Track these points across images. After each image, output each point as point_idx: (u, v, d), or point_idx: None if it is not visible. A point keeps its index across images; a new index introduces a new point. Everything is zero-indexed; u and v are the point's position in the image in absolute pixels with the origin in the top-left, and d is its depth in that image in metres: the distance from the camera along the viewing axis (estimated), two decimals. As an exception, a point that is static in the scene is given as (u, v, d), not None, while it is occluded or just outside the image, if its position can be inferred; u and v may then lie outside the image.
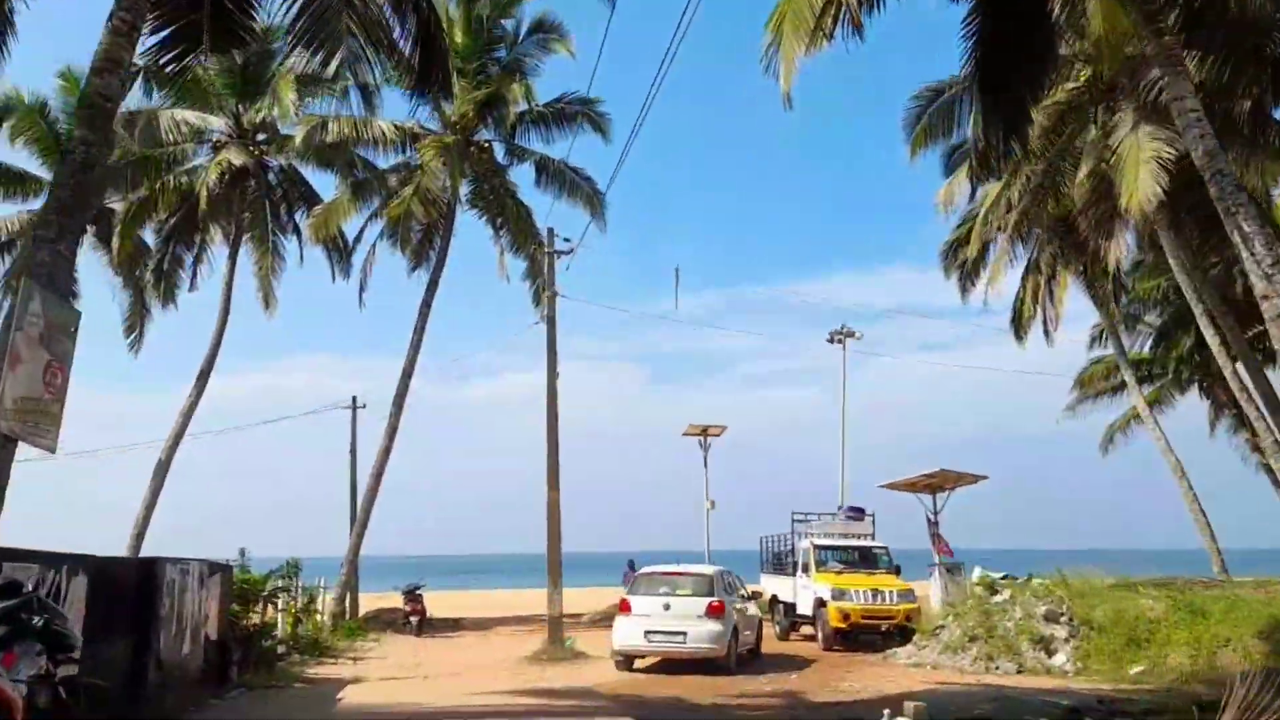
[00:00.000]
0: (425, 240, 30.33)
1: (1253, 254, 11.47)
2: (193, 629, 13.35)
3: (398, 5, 12.12)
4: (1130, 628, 16.78)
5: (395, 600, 28.91)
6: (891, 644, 20.23)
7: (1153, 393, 34.13)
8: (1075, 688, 14.76)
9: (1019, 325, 30.82)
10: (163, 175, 27.45)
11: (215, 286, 29.24)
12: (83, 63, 9.08)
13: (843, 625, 20.86)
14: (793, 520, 25.82)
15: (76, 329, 8.44)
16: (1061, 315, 30.12)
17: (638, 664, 17.82)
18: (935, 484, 26.82)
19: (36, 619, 6.88)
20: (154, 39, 11.11)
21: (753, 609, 20.34)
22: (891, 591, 21.39)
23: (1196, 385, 35.67)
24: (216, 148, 28.38)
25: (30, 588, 7.50)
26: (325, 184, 30.38)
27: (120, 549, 25.64)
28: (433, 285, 29.22)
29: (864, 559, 23.19)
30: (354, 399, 34.85)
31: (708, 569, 19.28)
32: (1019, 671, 16.65)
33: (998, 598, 19.18)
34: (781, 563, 26.17)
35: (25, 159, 27.82)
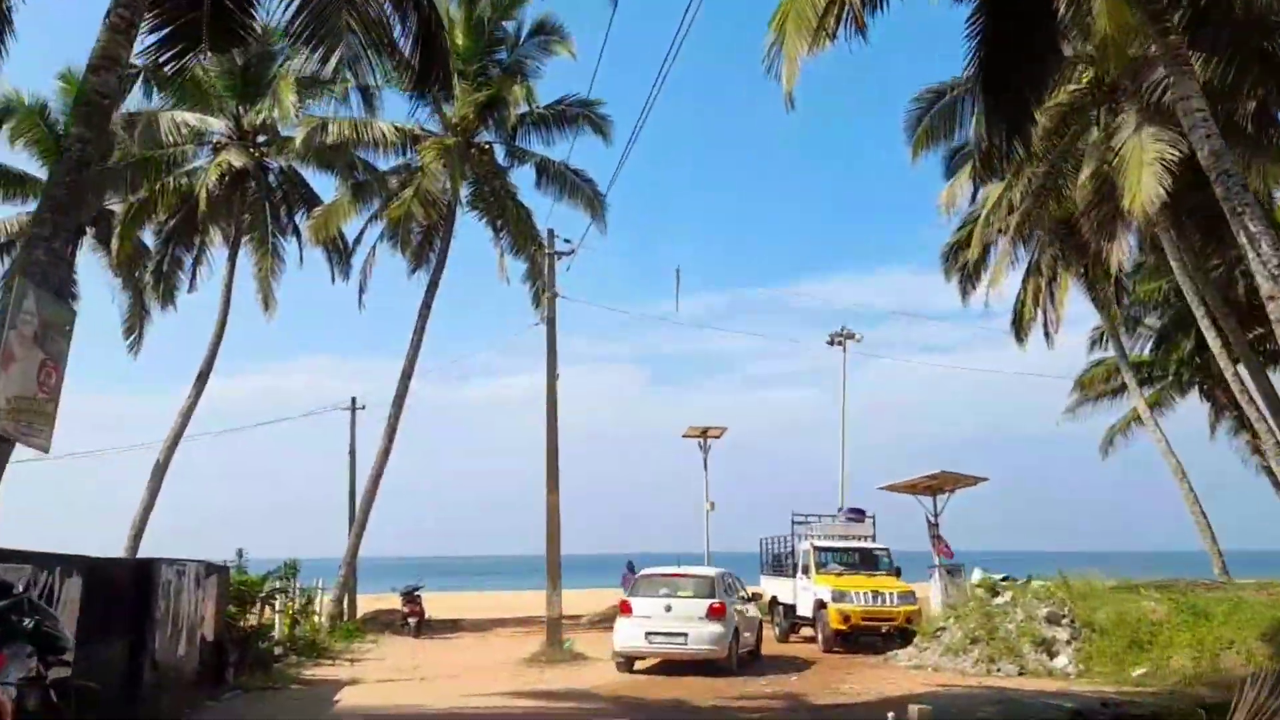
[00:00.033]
0: (425, 242, 30.27)
1: (1259, 254, 11.39)
2: (189, 630, 13.27)
3: (398, 3, 12.05)
4: (1132, 630, 16.68)
5: (394, 601, 28.81)
6: (892, 646, 20.13)
7: (1153, 395, 34.08)
8: (1078, 690, 14.70)
9: (1020, 327, 30.76)
10: (162, 177, 27.32)
11: (215, 288, 29.17)
12: (82, 63, 8.98)
13: (843, 627, 20.79)
14: (793, 522, 25.76)
15: (71, 328, 8.36)
16: (1062, 317, 30.07)
17: (638, 665, 17.77)
18: (936, 486, 26.72)
19: (27, 621, 6.79)
20: (153, 38, 11.04)
21: (753, 610, 20.29)
22: (892, 593, 21.31)
23: (1197, 388, 35.63)
24: (216, 149, 28.28)
25: (21, 589, 7.41)
26: (325, 186, 30.34)
27: (119, 550, 25.60)
28: (433, 287, 29.17)
29: (864, 561, 23.11)
30: (353, 400, 34.79)
31: (709, 570, 19.33)
32: (1021, 674, 16.56)
33: (999, 600, 19.08)
34: (781, 564, 26.08)
35: (25, 161, 27.76)
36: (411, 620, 26.84)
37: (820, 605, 21.43)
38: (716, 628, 17.00)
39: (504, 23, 29.09)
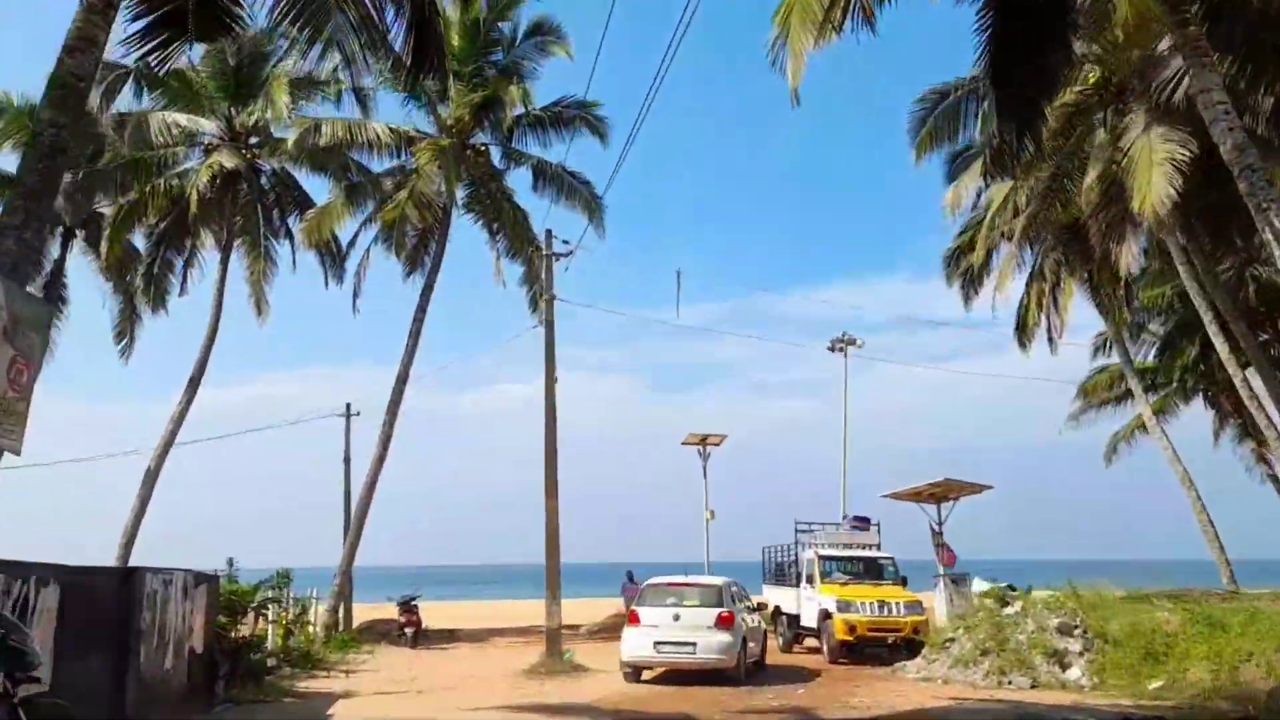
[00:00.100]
0: (420, 245, 29.81)
1: (1286, 250, 11.01)
2: (176, 642, 12.79)
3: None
4: (1147, 641, 16.21)
5: (390, 611, 28.33)
6: (899, 657, 19.71)
7: (1157, 402, 33.76)
8: (1094, 703, 14.25)
9: (1023, 333, 30.40)
10: (153, 178, 26.96)
11: (207, 292, 28.77)
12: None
13: (849, 638, 20.39)
14: (796, 530, 25.31)
15: (49, 325, 7.96)
16: (1066, 323, 29.65)
17: (642, 676, 17.57)
18: (939, 493, 26.37)
19: None
20: (136, 26, 10.58)
21: (758, 620, 20.01)
22: (899, 603, 20.90)
23: (1201, 394, 35.31)
24: (208, 150, 27.90)
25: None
26: (318, 188, 30.03)
27: (110, 557, 25.16)
28: (428, 290, 28.74)
29: (870, 570, 22.71)
30: (348, 406, 34.23)
31: (716, 580, 19.12)
32: (1033, 686, 16.09)
33: (1009, 610, 18.63)
34: (784, 573, 25.66)
35: (14, 163, 27.30)
36: (408, 630, 26.41)
37: (825, 615, 21.02)
38: (725, 637, 16.90)
39: (500, 24, 28.75)
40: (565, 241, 23.51)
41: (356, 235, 29.89)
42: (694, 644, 16.84)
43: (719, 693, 15.86)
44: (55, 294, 29.12)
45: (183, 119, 26.84)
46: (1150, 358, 35.82)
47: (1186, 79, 18.16)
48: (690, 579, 19.52)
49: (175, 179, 27.44)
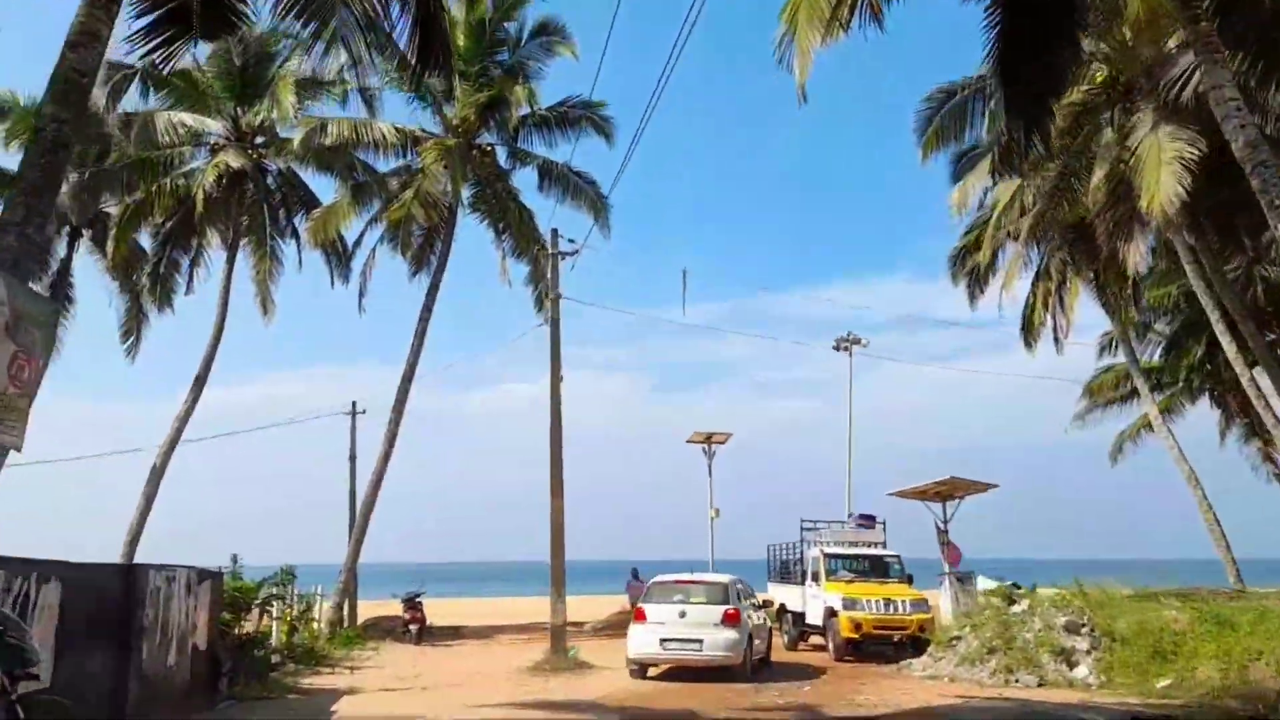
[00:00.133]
0: (426, 244, 29.82)
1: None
2: (179, 639, 12.77)
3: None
4: (1155, 640, 16.12)
5: (395, 608, 28.32)
6: (904, 655, 19.66)
7: (1163, 401, 33.62)
8: (1102, 702, 14.18)
9: (1029, 332, 30.30)
10: (159, 178, 26.96)
11: (213, 291, 28.72)
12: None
13: (854, 636, 20.34)
14: (801, 528, 25.24)
15: (55, 323, 7.89)
16: (1072, 322, 29.58)
17: (647, 673, 17.60)
18: (945, 492, 26.30)
19: None
20: (141, 23, 10.57)
21: (762, 618, 20.00)
22: (904, 601, 20.83)
23: (1208, 394, 35.18)
24: (214, 150, 27.90)
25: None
26: (324, 188, 30.01)
27: (115, 555, 25.18)
28: (433, 290, 28.69)
29: (875, 568, 22.62)
30: (354, 404, 34.25)
31: (722, 577, 19.14)
32: (1040, 684, 16.01)
33: (1016, 608, 18.56)
34: (789, 571, 25.62)
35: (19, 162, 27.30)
36: (413, 627, 26.39)
37: (831, 613, 20.97)
38: (731, 634, 16.94)
39: (505, 23, 28.71)
40: (571, 240, 23.51)
41: (362, 235, 29.90)
42: (700, 641, 16.87)
43: (724, 690, 15.83)
44: (62, 293, 29.19)
45: (189, 119, 26.82)
46: (1156, 357, 35.66)
47: (1195, 77, 18.15)
48: (696, 576, 19.54)
49: (181, 179, 27.43)
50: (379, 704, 15.01)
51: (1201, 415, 35.75)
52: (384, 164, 29.02)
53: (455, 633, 28.94)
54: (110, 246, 27.99)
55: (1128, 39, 20.95)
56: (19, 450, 7.74)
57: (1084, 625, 17.23)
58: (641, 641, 17.33)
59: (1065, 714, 13.24)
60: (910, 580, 22.27)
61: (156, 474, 26.79)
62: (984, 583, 25.12)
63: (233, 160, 26.71)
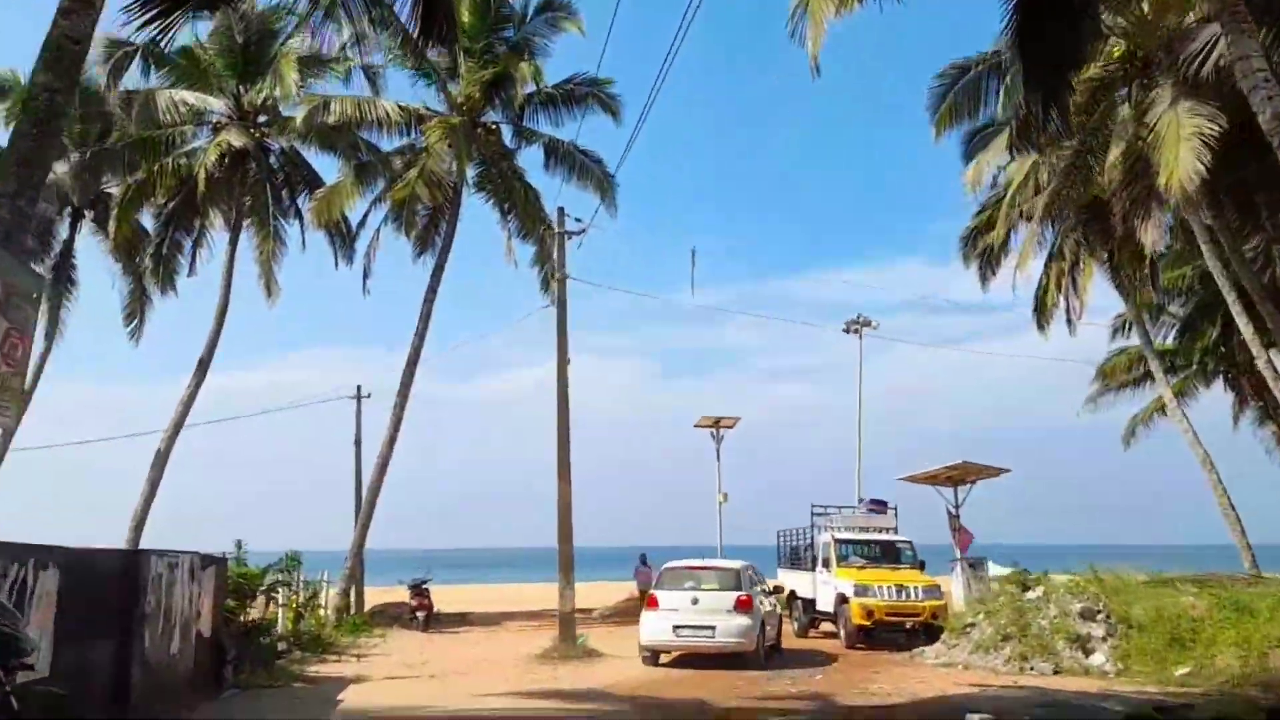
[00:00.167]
0: (431, 225, 29.50)
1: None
2: (182, 626, 12.53)
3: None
4: (1172, 627, 15.86)
5: (402, 595, 28.15)
6: (917, 642, 19.42)
7: (1177, 384, 33.22)
8: (1121, 690, 13.93)
9: (1041, 314, 29.97)
10: (161, 158, 26.64)
11: (217, 273, 28.39)
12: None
13: (866, 623, 20.10)
14: (812, 513, 24.98)
15: (40, 296, 7.60)
16: (1086, 304, 29.19)
17: (659, 659, 17.53)
18: (957, 476, 26.09)
19: None
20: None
21: (773, 604, 19.85)
22: (917, 587, 20.58)
23: (1222, 377, 34.80)
24: (216, 129, 27.53)
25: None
26: (328, 167, 29.54)
27: (120, 541, 24.98)
28: (438, 271, 28.36)
29: (887, 554, 22.37)
30: (358, 388, 34.05)
31: (734, 563, 18.96)
32: (1056, 672, 15.77)
33: (1030, 594, 18.28)
34: (799, 557, 25.37)
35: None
36: (420, 614, 26.22)
37: (842, 600, 20.72)
38: (744, 620, 16.87)
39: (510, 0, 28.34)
40: (578, 220, 23.13)
41: (366, 215, 29.52)
42: (713, 627, 16.80)
43: (735, 677, 15.62)
44: (65, 275, 28.98)
45: (191, 97, 26.49)
46: (1169, 339, 35.30)
47: (1216, 51, 17.76)
48: (708, 562, 19.45)
49: (183, 158, 27.09)
50: (386, 693, 14.79)
51: (1215, 399, 35.42)
52: (388, 143, 28.75)
53: (463, 619, 28.81)
54: (112, 227, 27.73)
55: (1146, 13, 20.54)
56: (11, 431, 7.48)
57: (1100, 612, 16.97)
58: (654, 628, 17.25)
59: (1084, 703, 12.98)
60: (922, 566, 22.03)
61: (161, 459, 26.55)
62: (995, 569, 24.91)
63: (235, 139, 26.34)
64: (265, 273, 28.62)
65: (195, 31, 26.61)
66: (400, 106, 27.25)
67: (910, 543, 22.99)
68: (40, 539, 8.73)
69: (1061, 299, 29.19)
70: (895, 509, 25.32)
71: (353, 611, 26.72)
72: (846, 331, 37.11)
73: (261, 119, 28.20)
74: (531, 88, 28.40)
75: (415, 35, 11.00)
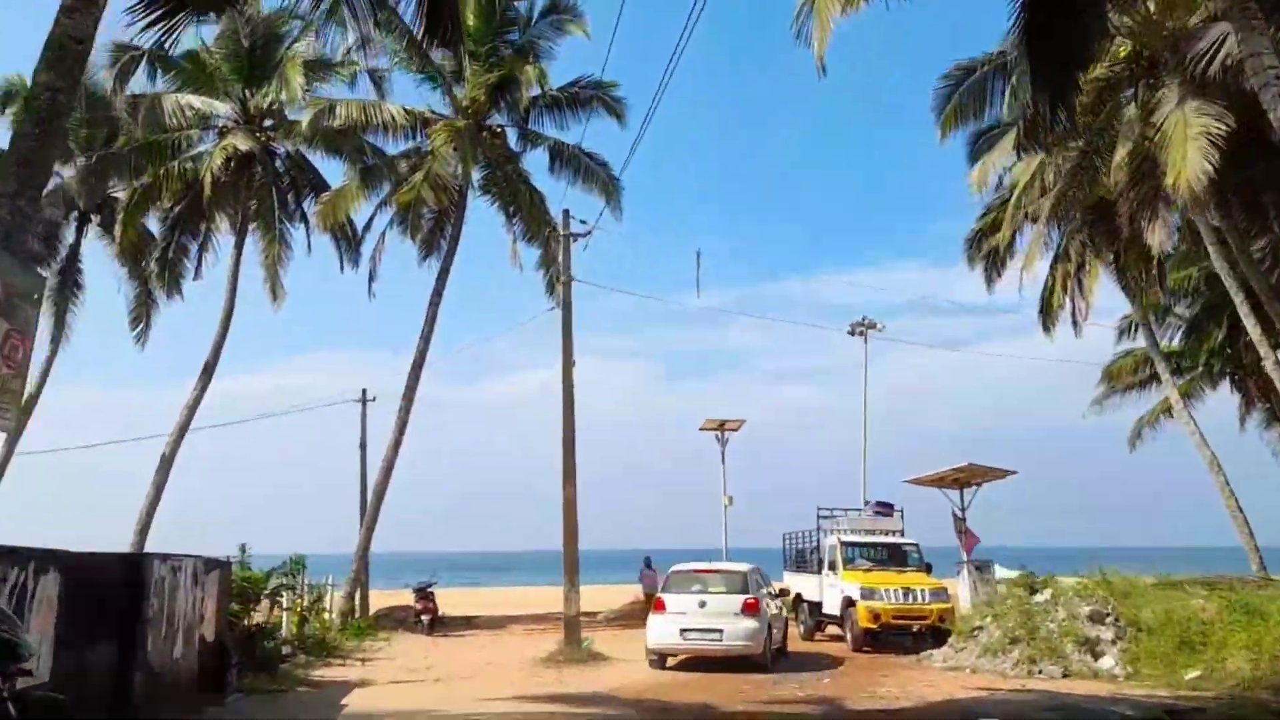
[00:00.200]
0: (436, 228, 29.48)
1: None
2: (186, 630, 12.48)
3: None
4: (1182, 629, 15.73)
5: (406, 598, 28.12)
6: (924, 645, 19.31)
7: (1183, 386, 33.04)
8: (1131, 694, 13.80)
9: (1047, 316, 29.78)
10: (167, 162, 26.72)
11: (223, 277, 28.43)
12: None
13: (873, 626, 20.00)
14: (818, 516, 24.88)
15: (41, 297, 7.54)
16: (1091, 305, 29.06)
17: (666, 663, 17.50)
18: (963, 479, 25.93)
19: None
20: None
21: (779, 607, 19.76)
22: (924, 590, 20.47)
23: (1228, 378, 34.66)
24: (222, 133, 27.56)
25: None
26: (333, 171, 29.65)
27: (125, 545, 24.95)
28: (443, 274, 28.40)
29: (894, 556, 22.25)
30: (364, 392, 34.00)
31: (741, 566, 18.93)
32: (1065, 676, 15.63)
33: (1038, 597, 18.15)
34: (805, 560, 25.29)
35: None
36: (425, 617, 26.20)
37: (849, 603, 20.61)
38: (751, 623, 16.83)
39: (516, 2, 28.39)
40: (583, 222, 23.07)
41: (372, 219, 29.63)
42: (720, 631, 16.74)
43: (742, 681, 15.53)
44: (71, 279, 29.01)
45: (197, 101, 26.57)
46: (1175, 341, 35.15)
47: (1224, 50, 17.67)
48: (715, 565, 19.41)
49: (189, 162, 27.16)
50: (390, 697, 14.74)
51: (1221, 400, 35.28)
52: (393, 146, 28.80)
53: (468, 623, 28.77)
54: (118, 231, 27.78)
55: (1152, 12, 20.45)
56: (10, 432, 7.43)
57: (1108, 615, 16.84)
58: (661, 632, 17.21)
59: (1094, 706, 12.87)
60: (929, 569, 21.93)
61: (166, 462, 26.53)
62: (1002, 571, 24.76)
63: (241, 143, 26.38)
64: (271, 276, 28.66)
65: (201, 36, 26.71)
66: (405, 110, 27.25)
67: (917, 545, 22.89)
68: (46, 542, 8.71)
69: (1067, 300, 29.04)
70: (901, 511, 25.22)
71: (357, 615, 26.67)
72: (852, 334, 37.05)
73: (267, 123, 28.26)
74: (536, 91, 28.42)
75: (420, 38, 10.93)
